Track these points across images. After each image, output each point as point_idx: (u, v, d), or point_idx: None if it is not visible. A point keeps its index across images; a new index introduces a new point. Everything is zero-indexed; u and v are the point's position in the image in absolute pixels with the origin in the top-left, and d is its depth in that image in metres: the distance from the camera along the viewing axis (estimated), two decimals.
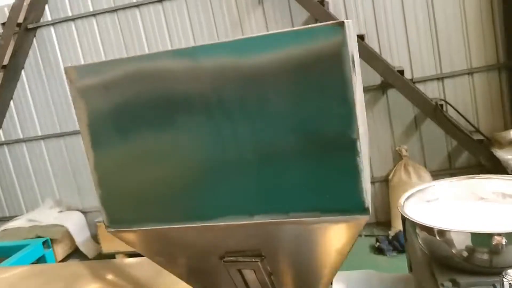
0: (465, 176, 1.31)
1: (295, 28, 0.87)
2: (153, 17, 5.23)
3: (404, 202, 1.24)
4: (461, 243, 1.09)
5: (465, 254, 1.09)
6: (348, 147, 0.88)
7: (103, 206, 1.06)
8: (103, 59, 5.47)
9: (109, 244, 5.29)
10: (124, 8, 5.28)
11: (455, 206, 1.26)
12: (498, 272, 1.05)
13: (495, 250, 1.05)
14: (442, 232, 1.11)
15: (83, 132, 1.02)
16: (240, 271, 1.10)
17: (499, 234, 1.04)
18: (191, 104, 0.95)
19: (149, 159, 1.01)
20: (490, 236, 1.05)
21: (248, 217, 0.99)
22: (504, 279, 0.94)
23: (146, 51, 5.31)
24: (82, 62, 5.56)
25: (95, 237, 5.66)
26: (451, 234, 1.10)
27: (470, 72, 4.84)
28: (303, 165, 0.92)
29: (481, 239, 1.06)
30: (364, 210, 0.91)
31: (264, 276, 1.09)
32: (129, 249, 1.22)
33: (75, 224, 5.75)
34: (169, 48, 5.21)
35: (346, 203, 0.91)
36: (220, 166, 0.97)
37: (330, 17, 4.59)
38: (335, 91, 0.86)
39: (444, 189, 1.32)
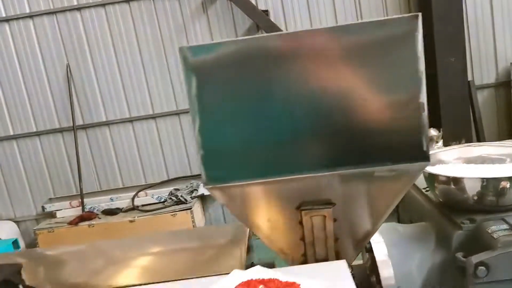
0: (461, 144, 1.67)
1: (381, 18, 1.14)
2: (96, 21, 5.21)
3: None
4: (473, 188, 1.42)
5: (476, 197, 1.42)
6: (417, 107, 1.16)
7: (203, 165, 1.24)
8: (41, 63, 5.34)
9: None
10: (63, 10, 5.20)
11: (457, 166, 1.59)
12: (503, 210, 1.40)
13: (501, 192, 1.39)
14: (458, 180, 1.44)
15: (192, 101, 1.20)
16: (311, 219, 1.33)
17: (505, 178, 1.38)
18: (290, 76, 1.18)
19: (248, 122, 1.22)
20: (497, 180, 1.39)
21: (330, 169, 1.23)
22: None
23: (88, 56, 5.28)
24: (17, 65, 5.37)
25: (31, 247, 5.44)
26: (465, 181, 1.42)
27: None
28: (381, 124, 1.19)
29: (490, 183, 1.40)
30: (426, 158, 1.19)
31: (330, 222, 1.34)
32: None
33: (8, 235, 5.48)
34: (113, 52, 5.25)
35: (412, 153, 1.19)
36: (312, 126, 1.21)
37: (273, 25, 4.93)
38: (410, 64, 1.14)
39: (446, 155, 1.66)
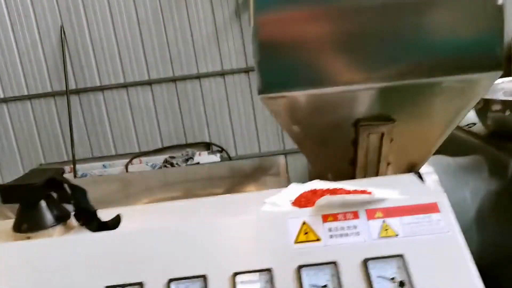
0: (504, 78, 1.61)
1: None
2: None
3: None
4: None
5: None
6: (494, 10, 1.08)
7: (259, 72, 1.15)
8: (34, 23, 5.13)
9: None
10: None
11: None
12: None
13: None
14: None
15: (250, 2, 1.10)
16: (368, 137, 1.25)
17: None
18: None
19: (308, 26, 1.12)
20: None
21: (395, 80, 1.14)
22: None
23: (83, 17, 5.09)
24: (9, 26, 5.15)
25: None
26: None
27: None
28: (452, 30, 1.11)
29: None
30: (499, 66, 1.11)
31: (388, 141, 1.26)
32: None
33: None
34: (108, 14, 5.07)
35: (485, 61, 1.11)
36: (378, 31, 1.12)
37: None
38: None
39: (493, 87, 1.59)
